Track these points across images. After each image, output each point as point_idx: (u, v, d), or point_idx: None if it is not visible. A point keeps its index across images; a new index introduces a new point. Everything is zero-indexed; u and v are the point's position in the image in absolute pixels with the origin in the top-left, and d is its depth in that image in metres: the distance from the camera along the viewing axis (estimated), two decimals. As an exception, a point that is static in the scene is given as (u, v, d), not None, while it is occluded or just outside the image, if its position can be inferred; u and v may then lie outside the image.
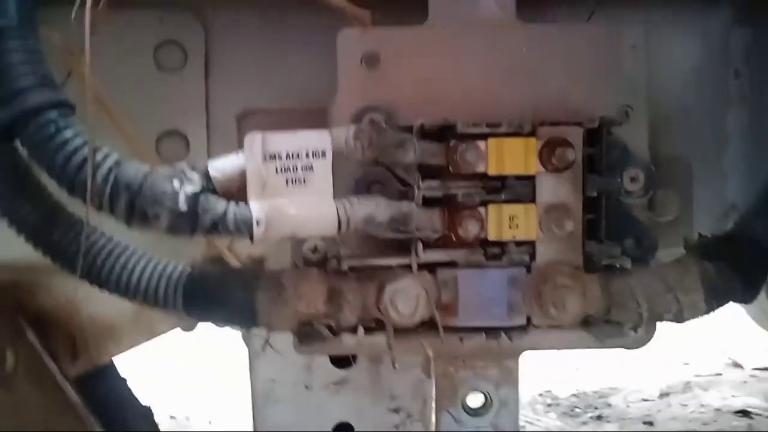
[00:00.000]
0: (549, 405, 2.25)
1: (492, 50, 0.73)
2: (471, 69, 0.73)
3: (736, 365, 2.59)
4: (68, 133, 0.58)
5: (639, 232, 0.71)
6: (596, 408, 2.22)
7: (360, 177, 0.70)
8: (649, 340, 0.70)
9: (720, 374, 2.54)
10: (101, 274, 0.65)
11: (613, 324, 0.68)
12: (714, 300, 0.67)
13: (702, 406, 2.31)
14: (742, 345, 2.61)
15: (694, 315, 0.67)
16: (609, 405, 2.25)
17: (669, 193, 0.81)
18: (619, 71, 0.73)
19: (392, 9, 0.76)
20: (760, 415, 2.25)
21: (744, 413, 2.25)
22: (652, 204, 0.78)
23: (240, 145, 0.81)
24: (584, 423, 2.17)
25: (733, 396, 2.36)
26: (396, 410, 0.84)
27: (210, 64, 0.81)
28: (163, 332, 0.78)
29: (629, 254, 0.70)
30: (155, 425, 0.96)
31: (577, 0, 0.80)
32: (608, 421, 2.17)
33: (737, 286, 0.68)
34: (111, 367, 0.86)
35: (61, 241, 0.64)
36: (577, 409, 2.23)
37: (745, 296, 0.69)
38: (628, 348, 0.70)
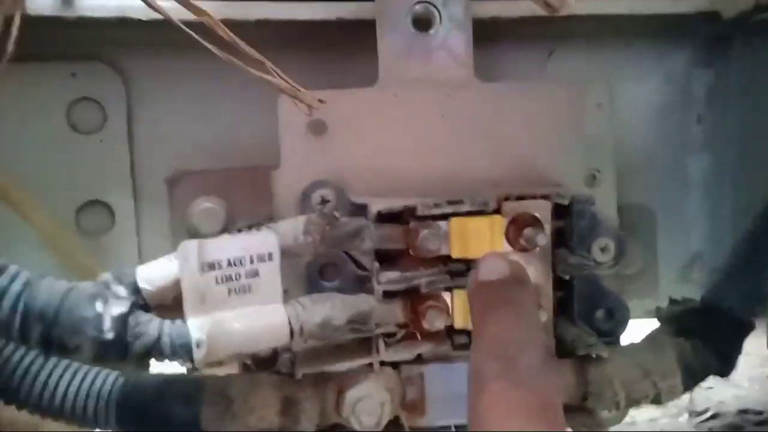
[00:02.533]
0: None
1: (448, 112, 0.66)
2: (426, 133, 0.66)
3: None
4: None
5: (610, 303, 0.67)
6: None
7: (310, 262, 0.63)
8: (622, 419, 0.66)
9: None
10: (19, 395, 0.57)
11: (588, 411, 0.64)
12: (691, 381, 0.64)
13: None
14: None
15: (672, 398, 0.64)
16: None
17: (633, 244, 0.77)
18: (584, 132, 0.68)
19: (338, 71, 0.68)
20: (698, 386, 2.33)
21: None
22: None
23: (172, 212, 0.74)
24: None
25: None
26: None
27: (133, 123, 0.71)
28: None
29: (600, 327, 0.66)
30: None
31: (535, 42, 0.74)
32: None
33: (714, 362, 0.65)
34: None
35: None
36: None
37: (722, 371, 0.66)
38: (603, 430, 0.67)
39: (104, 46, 0.69)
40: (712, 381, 2.00)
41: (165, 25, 0.54)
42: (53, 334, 0.50)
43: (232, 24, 0.58)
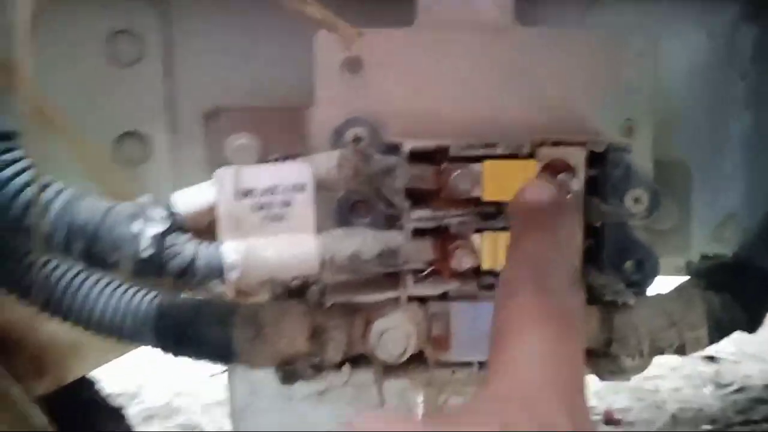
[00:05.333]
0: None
1: (486, 55, 0.66)
2: (462, 76, 0.66)
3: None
4: (10, 170, 0.51)
5: (641, 255, 0.66)
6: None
7: (343, 197, 0.64)
8: (645, 368, 0.67)
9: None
10: (60, 307, 0.59)
11: (612, 357, 0.64)
12: (717, 334, 0.64)
13: (670, 350, 2.36)
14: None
15: (696, 349, 0.64)
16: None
17: (667, 201, 0.76)
18: (624, 81, 0.67)
19: (375, 10, 0.68)
20: (726, 359, 2.32)
21: (711, 359, 2.31)
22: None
23: (208, 147, 0.75)
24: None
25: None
26: (380, 421, 0.81)
27: (171, 58, 0.72)
28: (135, 348, 0.73)
29: (629, 278, 0.66)
30: (127, 426, 0.93)
31: None
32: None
33: (742, 318, 0.65)
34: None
35: (13, 271, 0.58)
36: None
37: (749, 327, 0.66)
38: (625, 379, 0.67)
39: None
40: (739, 355, 1.98)
41: None
42: (94, 249, 0.52)
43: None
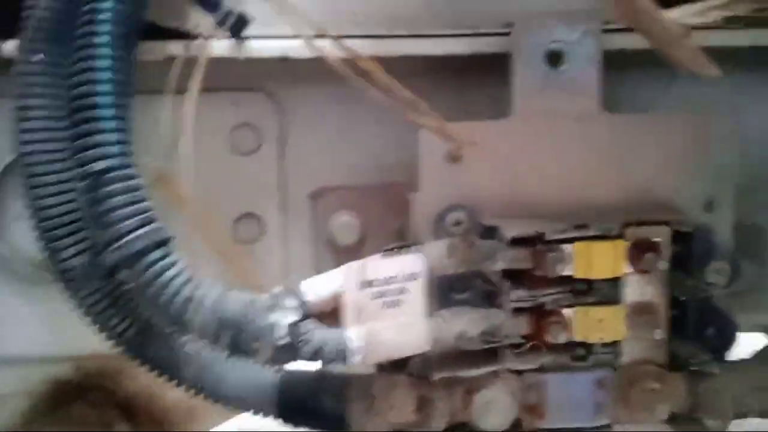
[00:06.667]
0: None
1: (577, 142, 0.72)
2: (555, 162, 0.72)
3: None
4: (171, 273, 0.59)
5: (721, 323, 0.71)
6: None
7: (444, 276, 0.70)
8: (727, 427, 0.71)
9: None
10: (196, 384, 0.67)
11: (697, 420, 0.69)
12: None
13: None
14: None
15: (779, 412, 0.68)
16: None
17: (746, 262, 0.80)
18: (708, 161, 0.72)
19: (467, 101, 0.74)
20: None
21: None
22: (730, 274, 0.78)
23: (313, 223, 0.82)
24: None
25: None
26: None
27: (284, 145, 0.80)
28: (237, 414, 0.80)
29: (710, 344, 0.70)
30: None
31: (660, 68, 0.77)
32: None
33: None
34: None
35: (156, 354, 0.65)
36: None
37: None
38: (708, 439, 0.71)
39: (264, 80, 0.77)
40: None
41: (320, 60, 0.62)
42: (240, 339, 0.59)
43: (378, 59, 0.66)
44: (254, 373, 0.67)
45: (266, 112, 0.78)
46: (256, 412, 0.68)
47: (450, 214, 0.70)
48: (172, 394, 0.81)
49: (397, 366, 0.69)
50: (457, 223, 0.70)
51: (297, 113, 0.79)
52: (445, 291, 0.69)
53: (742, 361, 0.71)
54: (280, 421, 0.68)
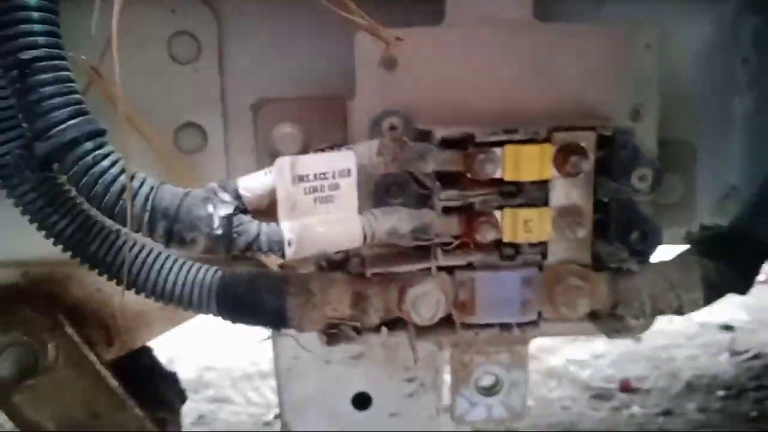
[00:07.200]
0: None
1: (508, 50, 0.74)
2: (488, 69, 0.74)
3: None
4: (105, 163, 0.60)
5: (645, 227, 0.74)
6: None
7: (380, 180, 0.72)
8: (650, 327, 0.75)
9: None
10: (137, 282, 0.68)
11: (618, 318, 0.73)
12: (712, 296, 0.72)
13: (687, 320, 2.43)
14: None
15: (693, 310, 0.73)
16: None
17: (673, 177, 0.84)
18: (632, 70, 0.75)
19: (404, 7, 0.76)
20: (742, 328, 2.39)
21: (727, 327, 2.39)
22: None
23: (256, 135, 0.84)
24: (575, 339, 2.29)
25: (717, 310, 2.47)
26: (410, 380, 0.91)
27: (224, 55, 0.81)
28: (190, 318, 0.83)
29: (634, 247, 0.74)
30: (182, 390, 1.03)
31: None
32: (597, 337, 2.27)
33: (734, 281, 0.73)
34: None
35: (98, 251, 0.67)
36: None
37: (741, 289, 0.74)
38: (629, 337, 0.76)
39: None
40: (755, 323, 2.03)
41: None
42: (174, 229, 0.61)
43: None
44: (195, 271, 0.69)
45: (204, 22, 0.79)
46: (196, 310, 0.70)
47: (385, 119, 0.72)
48: (120, 300, 0.82)
49: (338, 266, 0.72)
50: (392, 128, 0.73)
51: (235, 23, 0.80)
52: (382, 195, 0.72)
53: (662, 262, 0.75)
54: (220, 317, 0.70)
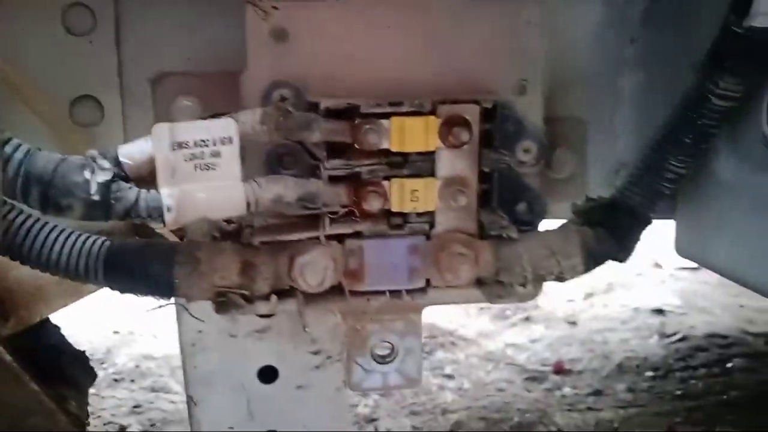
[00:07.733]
0: (481, 309, 2.39)
1: (398, 23, 0.76)
2: (379, 43, 0.76)
3: (657, 266, 2.76)
4: None
5: (531, 197, 0.77)
6: (525, 310, 2.37)
7: (271, 150, 0.73)
8: (537, 294, 0.78)
9: (641, 275, 2.71)
10: (22, 250, 0.68)
11: (502, 284, 0.75)
12: (591, 262, 0.76)
13: (622, 305, 2.51)
14: (666, 247, 2.78)
15: (573, 276, 0.76)
16: (537, 307, 2.41)
17: (565, 152, 0.87)
18: (516, 46, 0.77)
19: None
20: (672, 312, 2.47)
21: (659, 311, 2.46)
22: (549, 162, 0.84)
23: (155, 109, 0.84)
24: (513, 324, 2.34)
25: (651, 295, 2.56)
26: (316, 352, 0.92)
27: (121, 27, 0.81)
28: (91, 292, 0.82)
29: (521, 218, 0.77)
30: (90, 369, 1.02)
31: None
32: (535, 323, 2.34)
33: (613, 248, 0.76)
34: (43, 320, 0.90)
35: None
36: (507, 312, 2.38)
37: (620, 257, 0.77)
38: (518, 302, 0.78)
39: None
40: (686, 307, 2.09)
41: None
42: (49, 194, 0.61)
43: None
44: (82, 241, 0.69)
45: None
46: (84, 279, 0.70)
47: (275, 90, 0.74)
48: (15, 273, 0.82)
49: (231, 236, 0.73)
50: (283, 99, 0.74)
51: None
52: (274, 165, 0.73)
53: (544, 231, 0.78)
54: (108, 287, 0.70)
